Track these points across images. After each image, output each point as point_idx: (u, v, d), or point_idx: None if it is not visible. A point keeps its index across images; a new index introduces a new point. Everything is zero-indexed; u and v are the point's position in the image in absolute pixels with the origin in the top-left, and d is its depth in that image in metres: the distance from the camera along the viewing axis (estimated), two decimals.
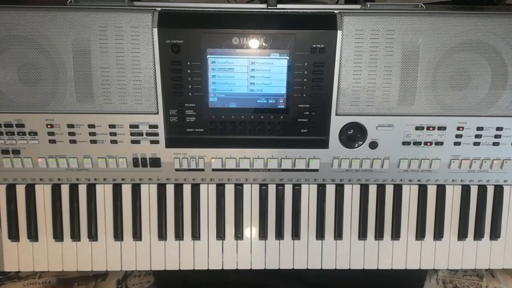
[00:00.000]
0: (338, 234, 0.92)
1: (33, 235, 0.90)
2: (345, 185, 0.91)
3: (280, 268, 0.93)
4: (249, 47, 0.80)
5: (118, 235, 0.91)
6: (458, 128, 0.86)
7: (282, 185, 0.91)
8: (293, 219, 0.92)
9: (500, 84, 0.83)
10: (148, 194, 0.90)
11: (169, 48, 0.79)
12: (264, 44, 0.80)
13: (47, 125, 0.84)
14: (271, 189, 0.91)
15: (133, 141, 0.85)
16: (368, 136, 0.86)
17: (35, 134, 0.84)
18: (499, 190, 0.92)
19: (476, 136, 0.87)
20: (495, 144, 0.87)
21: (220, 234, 0.91)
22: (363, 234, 0.92)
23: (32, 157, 0.86)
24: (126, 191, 0.90)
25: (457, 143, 0.87)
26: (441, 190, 0.91)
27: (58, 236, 0.90)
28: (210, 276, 0.95)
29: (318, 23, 0.80)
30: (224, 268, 0.93)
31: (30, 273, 1.00)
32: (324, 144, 0.87)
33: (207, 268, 0.93)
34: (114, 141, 0.85)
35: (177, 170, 0.88)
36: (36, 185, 0.89)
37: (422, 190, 0.91)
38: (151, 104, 0.83)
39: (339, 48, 0.80)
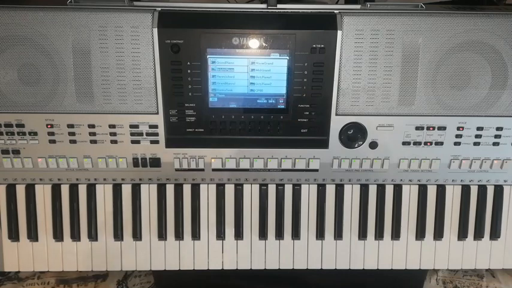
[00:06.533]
0: (338, 234, 0.92)
1: (33, 235, 0.90)
2: (345, 185, 0.91)
3: (280, 268, 0.93)
4: (249, 47, 0.80)
5: (118, 235, 0.91)
6: (458, 128, 0.86)
7: (282, 185, 0.91)
8: (293, 219, 0.91)
9: (500, 84, 0.83)
10: (148, 194, 0.90)
11: (169, 48, 0.79)
12: (264, 44, 0.80)
13: (47, 125, 0.84)
14: (271, 189, 0.91)
15: (133, 141, 0.85)
16: (368, 136, 0.86)
17: (35, 134, 0.84)
18: (499, 190, 0.92)
19: (476, 136, 0.87)
20: (495, 144, 0.87)
21: (220, 234, 0.91)
22: (363, 234, 0.92)
23: (32, 157, 0.86)
24: (126, 191, 0.90)
25: (457, 143, 0.87)
26: (441, 190, 0.91)
27: (58, 236, 0.90)
28: (211, 277, 0.95)
29: (318, 23, 0.80)
30: (224, 268, 0.93)
31: (29, 274, 1.00)
32: (324, 144, 0.87)
33: (207, 268, 0.93)
34: (114, 141, 0.85)
35: (177, 170, 0.88)
36: (36, 185, 0.89)
37: (422, 190, 0.91)
38: (151, 104, 0.83)
39: (339, 48, 0.80)
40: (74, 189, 0.89)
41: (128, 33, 0.78)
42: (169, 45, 0.79)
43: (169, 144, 0.86)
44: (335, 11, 0.80)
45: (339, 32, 0.79)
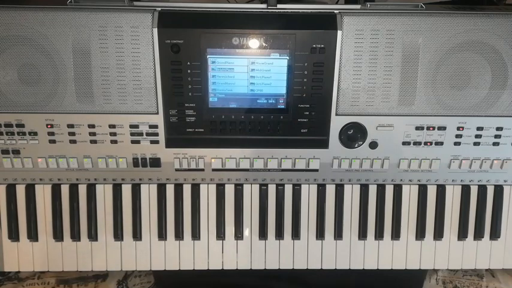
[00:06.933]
0: (338, 234, 0.92)
1: (33, 235, 0.90)
2: (345, 185, 0.91)
3: (281, 268, 0.93)
4: (249, 47, 0.80)
5: (118, 235, 0.91)
6: (458, 128, 0.86)
7: (282, 185, 0.91)
8: (293, 219, 0.91)
9: (500, 84, 0.83)
10: (148, 194, 0.90)
11: (169, 48, 0.79)
12: (264, 44, 0.80)
13: (47, 125, 0.84)
14: (271, 189, 0.91)
15: (133, 141, 0.85)
16: (368, 136, 0.86)
17: (35, 134, 0.84)
18: (499, 190, 0.92)
19: (476, 136, 0.87)
20: (495, 144, 0.87)
21: (220, 234, 0.91)
22: (363, 234, 0.92)
23: (32, 157, 0.86)
24: (126, 191, 0.90)
25: (457, 143, 0.87)
26: (441, 190, 0.91)
27: (58, 236, 0.90)
28: (211, 276, 0.95)
29: (318, 23, 0.80)
30: (224, 268, 0.93)
31: (29, 274, 1.00)
32: (324, 144, 0.87)
33: (207, 268, 0.93)
34: (114, 141, 0.85)
35: (177, 170, 0.88)
36: (36, 185, 0.89)
37: (422, 190, 0.91)
38: (151, 104, 0.83)
39: (339, 48, 0.80)
40: (74, 189, 0.89)
41: (128, 33, 0.78)
42: (169, 45, 0.79)
43: (169, 144, 0.86)
44: (335, 11, 0.80)
45: (339, 32, 0.79)
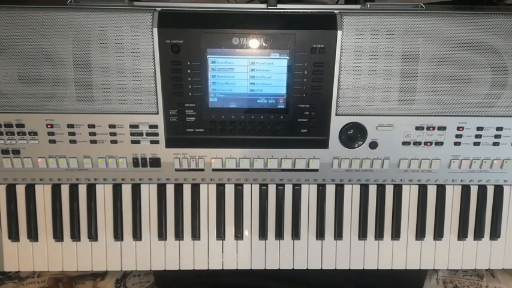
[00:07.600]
0: (338, 234, 0.92)
1: (33, 235, 0.90)
2: (345, 185, 0.91)
3: (280, 268, 0.93)
4: (249, 47, 0.80)
5: (118, 235, 0.91)
6: (458, 128, 0.86)
7: (282, 185, 0.91)
8: (293, 219, 0.92)
9: (500, 84, 0.83)
10: (148, 194, 0.90)
11: (169, 48, 0.79)
12: (264, 44, 0.80)
13: (47, 125, 0.84)
14: (271, 189, 0.91)
15: (133, 141, 0.85)
16: (368, 136, 0.86)
17: (35, 134, 0.84)
18: (499, 190, 0.92)
19: (476, 136, 0.87)
20: (495, 144, 0.87)
21: (220, 234, 0.91)
22: (363, 234, 0.92)
23: (32, 157, 0.86)
24: (126, 191, 0.90)
25: (457, 143, 0.87)
26: (441, 190, 0.91)
27: (58, 236, 0.90)
28: (210, 276, 0.95)
29: (318, 23, 0.80)
30: (224, 268, 0.93)
31: (29, 273, 1.00)
32: (324, 144, 0.87)
33: (207, 268, 0.93)
34: (114, 141, 0.85)
35: (177, 170, 0.88)
36: (36, 185, 0.89)
37: (422, 190, 0.91)
38: (151, 104, 0.83)
39: (339, 48, 0.80)
40: (74, 189, 0.89)
41: (128, 33, 0.78)
42: (169, 45, 0.79)
43: (169, 144, 0.86)
44: (335, 11, 0.80)
45: (339, 32, 0.79)
